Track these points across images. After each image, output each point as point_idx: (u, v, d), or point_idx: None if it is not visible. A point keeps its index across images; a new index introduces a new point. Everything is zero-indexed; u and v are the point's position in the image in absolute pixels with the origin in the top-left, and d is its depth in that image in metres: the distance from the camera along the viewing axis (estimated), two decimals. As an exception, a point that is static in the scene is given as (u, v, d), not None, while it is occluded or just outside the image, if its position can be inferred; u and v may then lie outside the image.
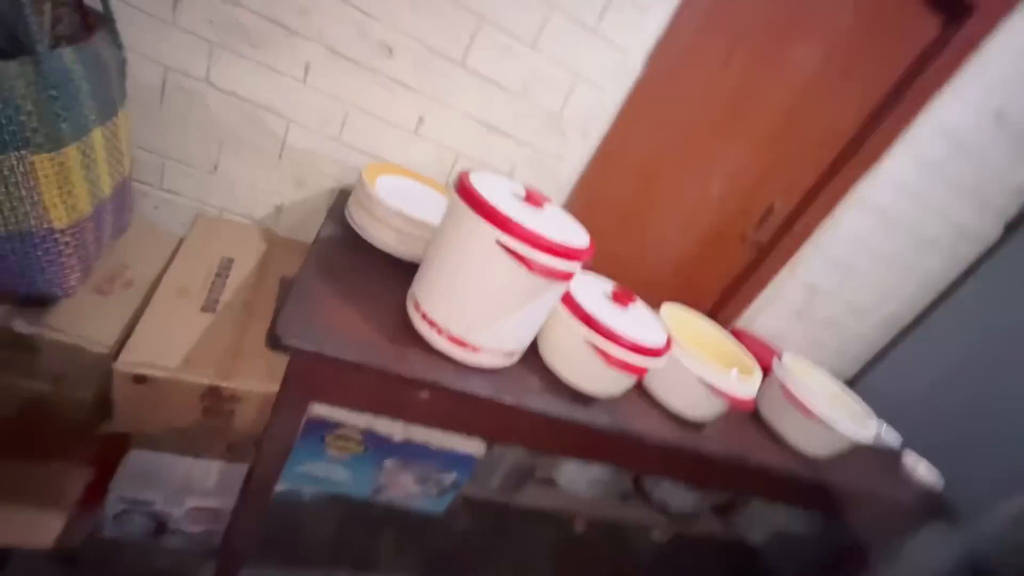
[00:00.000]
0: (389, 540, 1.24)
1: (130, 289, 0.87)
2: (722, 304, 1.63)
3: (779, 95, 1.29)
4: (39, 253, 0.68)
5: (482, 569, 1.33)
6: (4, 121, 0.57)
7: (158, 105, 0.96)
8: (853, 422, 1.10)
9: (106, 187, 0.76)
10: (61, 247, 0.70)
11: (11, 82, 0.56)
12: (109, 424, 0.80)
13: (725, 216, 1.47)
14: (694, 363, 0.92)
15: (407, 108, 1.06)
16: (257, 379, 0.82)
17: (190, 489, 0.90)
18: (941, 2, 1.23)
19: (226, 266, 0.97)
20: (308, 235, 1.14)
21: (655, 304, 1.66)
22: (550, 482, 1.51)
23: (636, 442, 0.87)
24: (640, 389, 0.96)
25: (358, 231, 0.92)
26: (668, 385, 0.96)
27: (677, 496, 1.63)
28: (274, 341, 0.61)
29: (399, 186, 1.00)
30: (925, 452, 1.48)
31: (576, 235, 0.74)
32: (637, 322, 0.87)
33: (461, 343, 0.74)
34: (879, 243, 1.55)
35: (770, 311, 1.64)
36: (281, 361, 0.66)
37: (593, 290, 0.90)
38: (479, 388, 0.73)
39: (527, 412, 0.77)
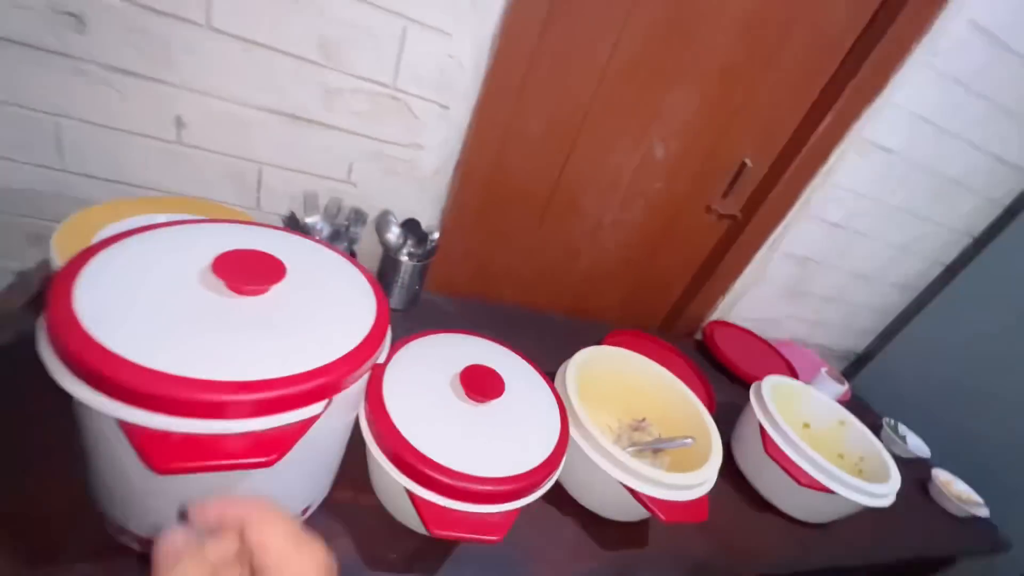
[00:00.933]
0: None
1: None
2: (690, 295, 1.28)
3: (734, 9, 0.88)
4: None
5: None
6: None
7: None
8: (870, 480, 0.78)
9: None
10: None
11: None
12: None
13: (681, 183, 1.09)
14: (611, 464, 0.59)
15: (147, 107, 0.69)
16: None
17: None
18: None
19: None
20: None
21: (611, 313, 1.33)
22: None
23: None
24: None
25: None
26: (586, 489, 0.65)
27: None
28: None
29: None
30: (954, 450, 1.16)
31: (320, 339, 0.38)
32: (498, 435, 0.53)
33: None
34: (888, 193, 1.17)
35: (752, 295, 1.29)
36: None
37: (428, 383, 0.55)
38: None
39: None
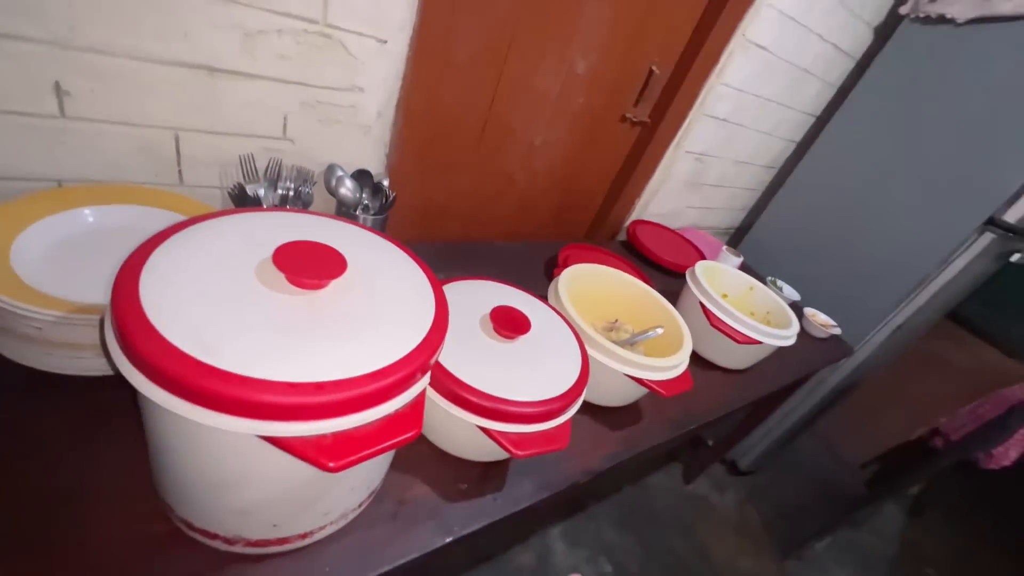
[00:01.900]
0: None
1: None
2: (612, 200, 1.39)
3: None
4: None
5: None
6: None
7: None
8: (778, 327, 1.00)
9: None
10: None
11: None
12: None
13: (599, 96, 1.14)
14: (618, 362, 0.70)
15: (11, 76, 0.53)
16: None
17: None
18: None
19: None
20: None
21: (544, 231, 1.40)
22: None
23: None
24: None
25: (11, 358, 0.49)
26: (592, 387, 0.75)
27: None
28: None
29: (56, 235, 0.54)
30: (814, 290, 1.51)
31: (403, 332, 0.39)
32: (535, 362, 0.59)
33: (280, 540, 0.43)
34: (763, 87, 1.35)
35: (663, 192, 1.45)
36: None
37: (466, 330, 0.58)
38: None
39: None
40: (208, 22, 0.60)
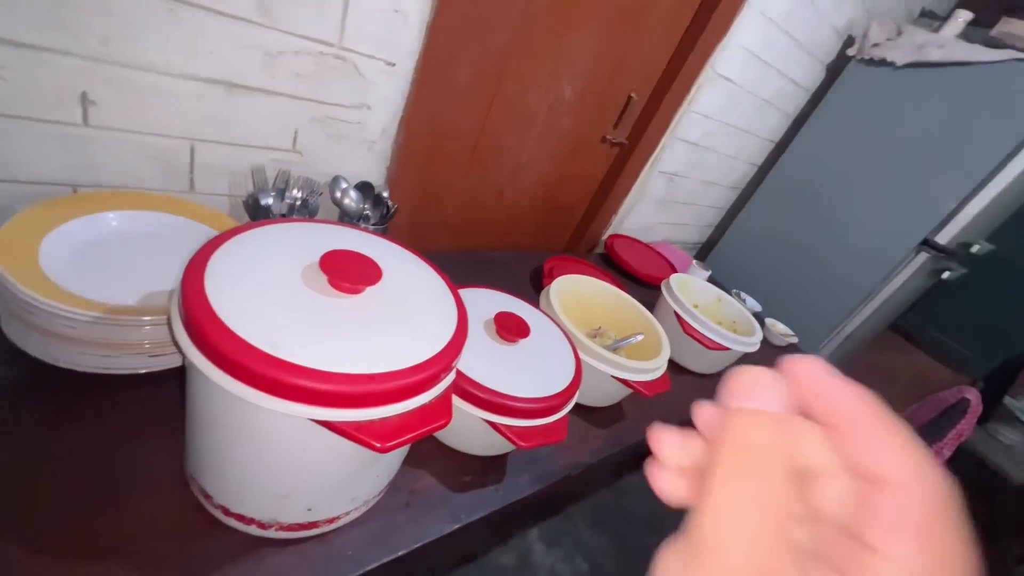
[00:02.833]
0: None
1: None
2: (591, 214, 1.48)
3: (625, -45, 0.98)
4: None
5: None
6: None
7: None
8: (744, 334, 1.10)
9: None
10: None
11: None
12: None
13: (583, 119, 1.23)
14: (606, 364, 0.76)
15: (42, 86, 0.56)
16: None
17: None
18: None
19: None
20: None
21: (529, 241, 1.47)
22: None
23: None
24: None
25: (36, 356, 0.51)
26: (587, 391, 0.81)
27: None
28: None
29: (81, 238, 0.56)
30: (773, 301, 1.63)
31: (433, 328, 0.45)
32: (534, 363, 0.65)
33: (310, 525, 0.47)
34: (729, 115, 1.47)
35: (637, 209, 1.54)
36: None
37: (470, 339, 0.64)
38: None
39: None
40: (233, 41, 0.63)
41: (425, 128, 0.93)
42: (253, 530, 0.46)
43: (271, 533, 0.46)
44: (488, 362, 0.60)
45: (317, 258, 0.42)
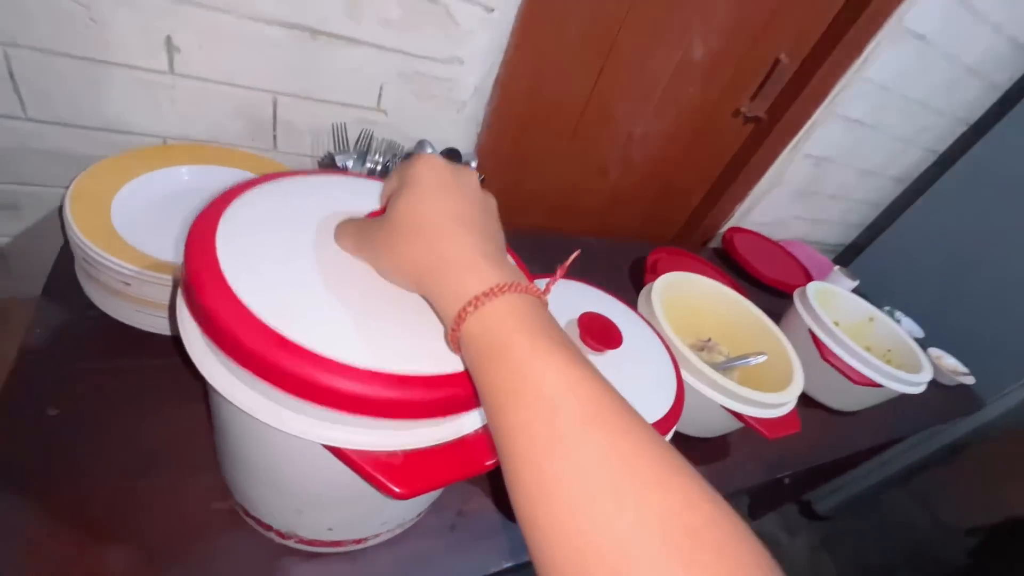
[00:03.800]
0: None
1: None
2: (711, 202, 1.26)
3: None
4: None
5: None
6: None
7: None
8: (901, 367, 0.85)
9: None
10: None
11: None
12: None
13: (714, 87, 1.02)
14: (717, 392, 0.60)
15: (128, 28, 0.53)
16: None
17: None
18: None
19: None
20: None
21: (631, 230, 1.30)
22: None
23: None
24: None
25: (107, 312, 0.49)
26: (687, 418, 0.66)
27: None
28: None
29: (163, 191, 0.54)
30: (939, 327, 1.29)
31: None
32: (623, 381, 0.52)
33: (333, 543, 0.40)
34: (913, 85, 1.15)
35: (769, 198, 1.29)
36: None
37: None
38: None
39: None
40: (315, -19, 0.57)
41: (523, 90, 0.81)
42: (273, 536, 0.40)
43: (291, 543, 0.40)
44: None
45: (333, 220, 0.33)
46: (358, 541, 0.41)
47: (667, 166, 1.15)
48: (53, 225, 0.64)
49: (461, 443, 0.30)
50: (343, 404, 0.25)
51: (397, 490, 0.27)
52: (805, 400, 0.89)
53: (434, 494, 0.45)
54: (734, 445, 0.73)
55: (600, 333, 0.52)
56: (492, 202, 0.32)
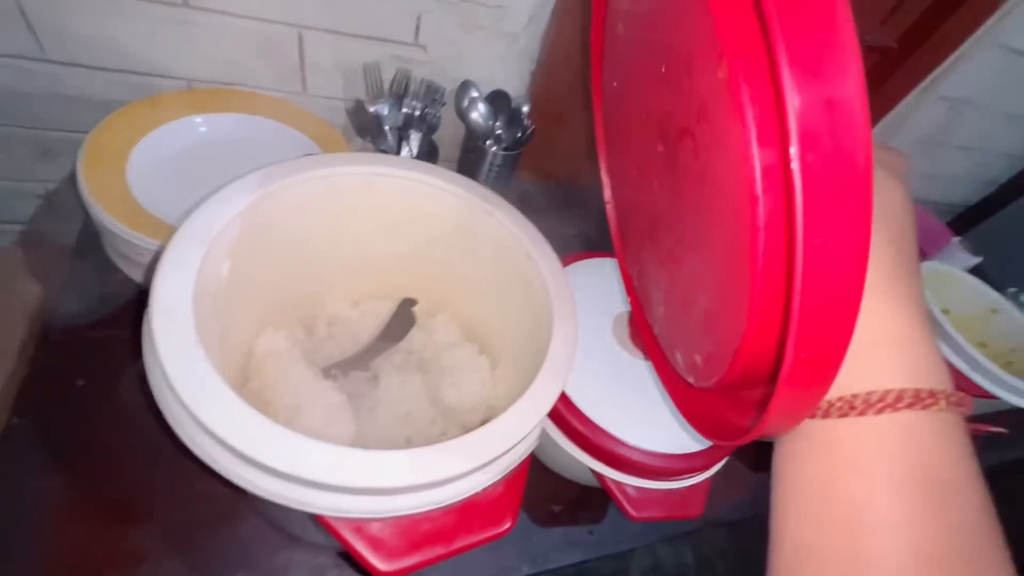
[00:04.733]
0: None
1: None
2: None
3: None
4: None
5: None
6: None
7: None
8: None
9: None
10: None
11: None
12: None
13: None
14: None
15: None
16: None
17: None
18: None
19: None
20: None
21: None
22: None
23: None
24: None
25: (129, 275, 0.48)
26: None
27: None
28: None
29: (180, 143, 0.50)
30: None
31: None
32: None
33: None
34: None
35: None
36: None
37: (584, 340, 0.45)
38: None
39: None
40: None
41: (588, 19, 0.67)
42: (285, 532, 0.39)
43: (306, 539, 0.39)
44: (604, 380, 0.42)
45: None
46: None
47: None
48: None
49: (465, 505, 0.25)
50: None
51: (381, 567, 0.23)
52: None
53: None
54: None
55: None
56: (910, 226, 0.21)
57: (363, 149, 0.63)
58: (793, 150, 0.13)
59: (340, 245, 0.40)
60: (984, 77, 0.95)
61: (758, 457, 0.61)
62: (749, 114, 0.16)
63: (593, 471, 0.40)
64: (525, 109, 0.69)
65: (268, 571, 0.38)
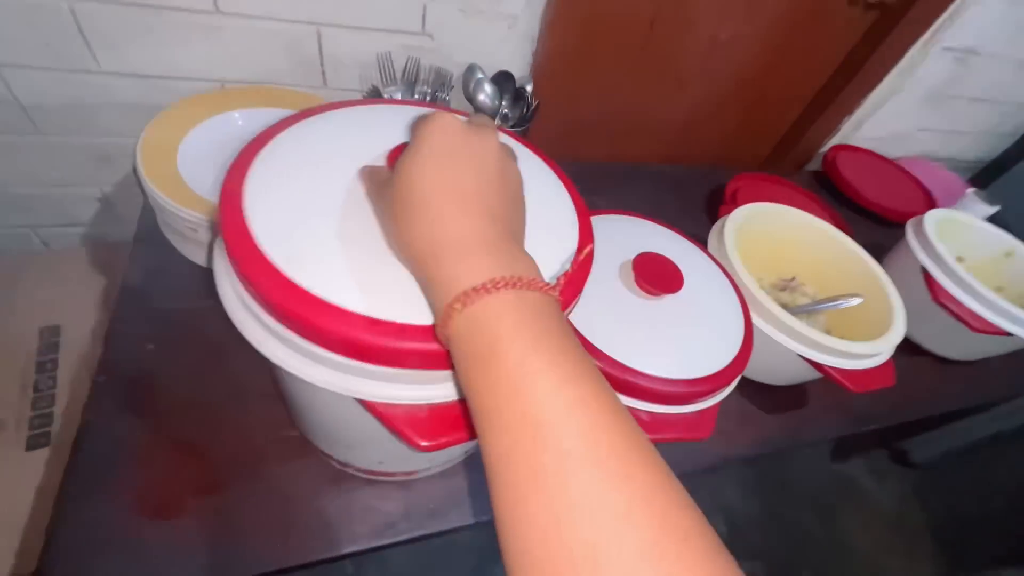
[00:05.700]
0: None
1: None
2: (812, 115, 1.08)
3: None
4: None
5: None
6: None
7: None
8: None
9: None
10: None
11: None
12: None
13: (824, -31, 0.83)
14: (794, 339, 0.54)
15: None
16: None
17: None
18: None
19: (51, 346, 0.64)
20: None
21: (711, 154, 1.14)
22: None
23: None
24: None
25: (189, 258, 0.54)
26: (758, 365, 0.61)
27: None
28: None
29: (220, 136, 0.56)
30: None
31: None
32: (683, 327, 0.48)
33: (385, 473, 0.43)
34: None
35: (889, 106, 1.08)
36: None
37: (595, 287, 0.48)
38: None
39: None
40: None
41: (585, 1, 0.71)
42: (334, 463, 0.44)
43: (350, 471, 0.44)
44: (615, 320, 0.46)
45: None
46: (409, 473, 0.44)
47: (759, 73, 0.98)
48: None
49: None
50: (367, 356, 0.25)
51: (422, 443, 0.27)
52: (908, 346, 0.78)
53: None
54: (812, 394, 0.67)
55: (656, 275, 0.48)
56: (513, 174, 0.26)
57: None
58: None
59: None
60: (988, 24, 0.94)
61: (768, 401, 0.64)
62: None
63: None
64: (529, 88, 0.74)
65: (339, 506, 0.43)
